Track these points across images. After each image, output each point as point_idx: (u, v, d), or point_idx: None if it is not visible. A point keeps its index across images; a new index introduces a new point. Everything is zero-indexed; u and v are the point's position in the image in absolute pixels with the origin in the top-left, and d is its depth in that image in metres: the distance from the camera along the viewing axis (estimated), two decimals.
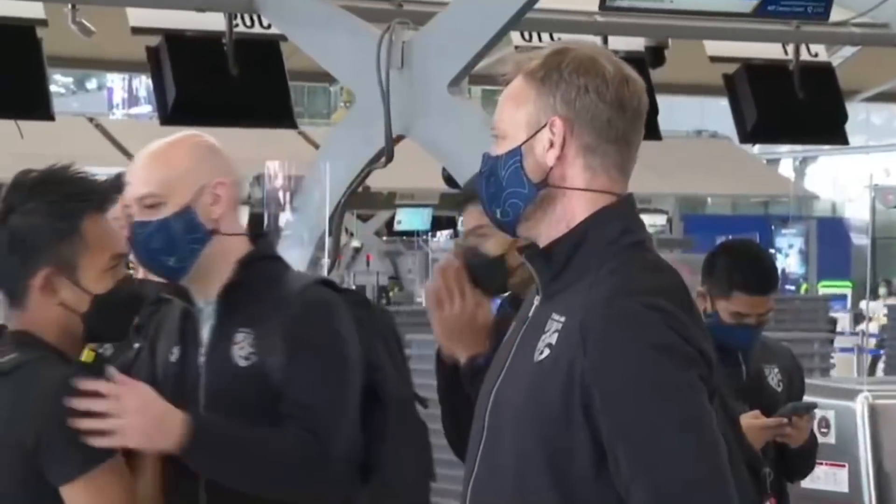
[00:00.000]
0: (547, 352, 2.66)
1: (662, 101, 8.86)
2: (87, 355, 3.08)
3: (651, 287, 2.66)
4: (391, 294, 17.54)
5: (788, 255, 20.42)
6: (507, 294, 3.85)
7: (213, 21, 8.34)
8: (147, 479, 3.13)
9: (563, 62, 2.74)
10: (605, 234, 2.73)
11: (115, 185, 3.18)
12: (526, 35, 8.95)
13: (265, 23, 8.38)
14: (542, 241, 2.77)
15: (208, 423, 3.25)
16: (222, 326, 3.38)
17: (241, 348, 3.33)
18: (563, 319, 2.66)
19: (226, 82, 8.32)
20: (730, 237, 5.63)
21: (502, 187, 2.76)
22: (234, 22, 8.32)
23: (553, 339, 2.67)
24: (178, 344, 3.43)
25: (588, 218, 2.73)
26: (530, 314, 2.78)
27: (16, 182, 3.08)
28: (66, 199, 3.03)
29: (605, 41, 8.85)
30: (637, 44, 9.28)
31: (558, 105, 2.73)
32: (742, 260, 4.85)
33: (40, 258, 3.01)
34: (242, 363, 3.33)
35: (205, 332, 3.41)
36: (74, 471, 2.92)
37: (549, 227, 2.76)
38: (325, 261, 8.00)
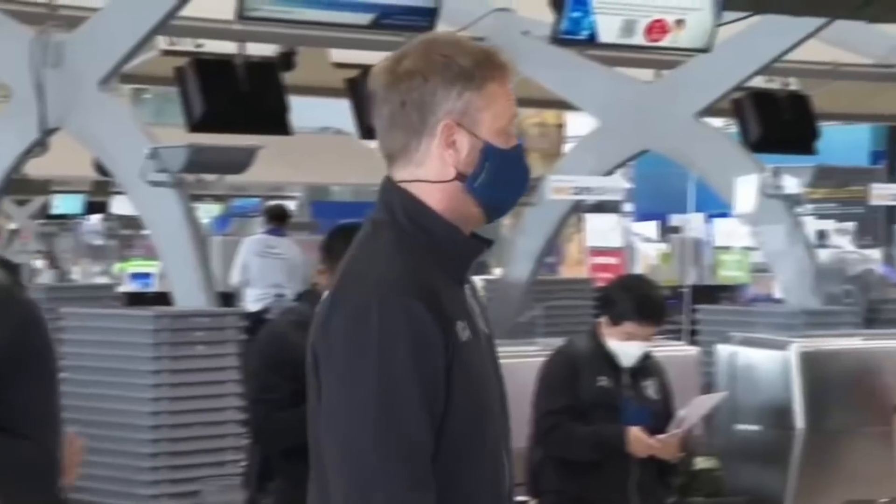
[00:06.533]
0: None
1: (294, 100, 8.77)
2: None
3: None
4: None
5: None
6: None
7: None
8: None
9: None
10: None
11: None
12: (170, 40, 8.76)
13: None
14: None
15: None
16: None
17: None
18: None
19: None
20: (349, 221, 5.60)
21: None
22: None
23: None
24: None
25: None
26: (468, 300, 2.56)
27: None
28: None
29: (244, 47, 8.71)
30: (269, 50, 9.18)
31: None
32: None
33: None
34: None
35: None
36: None
37: None
38: None
